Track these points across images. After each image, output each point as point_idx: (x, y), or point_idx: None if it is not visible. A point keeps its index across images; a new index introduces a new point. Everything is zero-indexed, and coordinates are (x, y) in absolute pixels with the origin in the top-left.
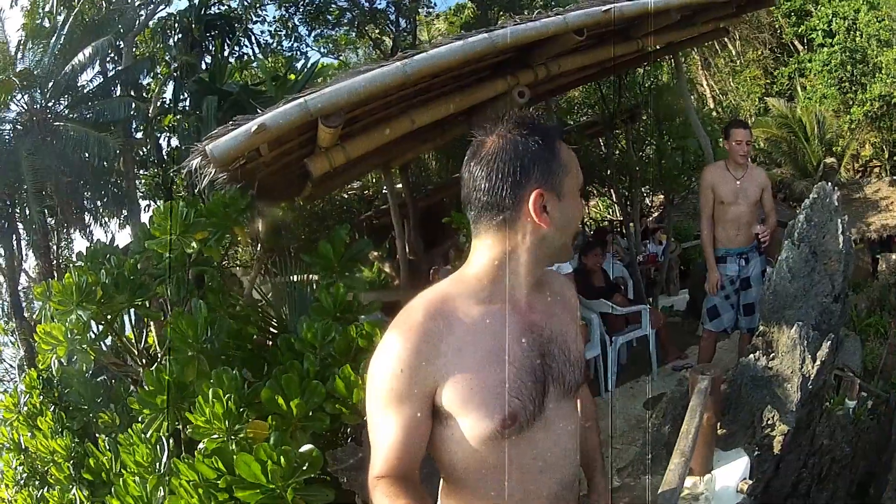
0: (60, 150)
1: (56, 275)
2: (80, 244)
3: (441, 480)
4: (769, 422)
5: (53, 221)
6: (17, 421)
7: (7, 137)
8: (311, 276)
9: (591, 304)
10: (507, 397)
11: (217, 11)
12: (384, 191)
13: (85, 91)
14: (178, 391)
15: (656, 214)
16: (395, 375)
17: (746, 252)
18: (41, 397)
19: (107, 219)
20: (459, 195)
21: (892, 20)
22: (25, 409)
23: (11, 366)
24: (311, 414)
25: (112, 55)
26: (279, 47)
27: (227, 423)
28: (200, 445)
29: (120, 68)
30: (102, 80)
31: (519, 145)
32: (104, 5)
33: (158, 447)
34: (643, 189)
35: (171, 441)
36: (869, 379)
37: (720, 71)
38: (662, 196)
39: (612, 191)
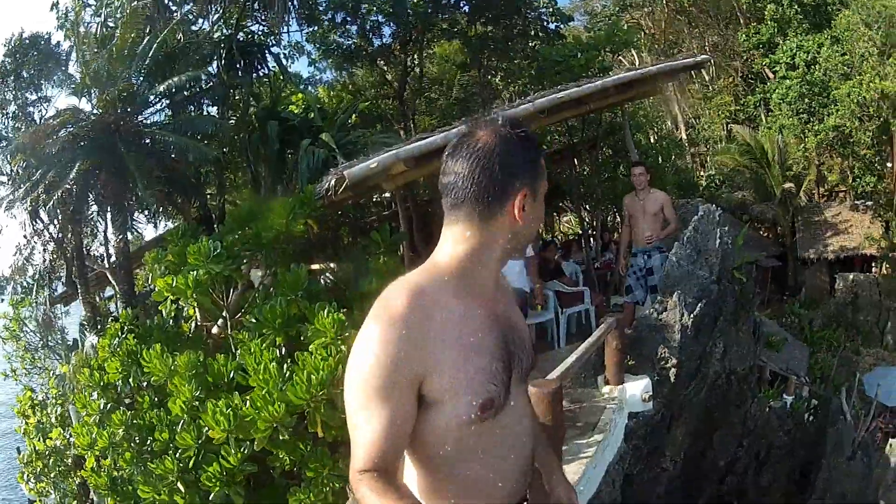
0: (159, 153)
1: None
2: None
3: (415, 472)
4: (663, 356)
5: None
6: (111, 359)
7: (102, 136)
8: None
9: (549, 284)
10: (486, 384)
11: (244, 38)
12: (374, 199)
13: (179, 108)
14: (284, 321)
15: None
16: (381, 366)
17: (649, 250)
18: (135, 340)
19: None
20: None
21: (853, 54)
22: (121, 349)
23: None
24: None
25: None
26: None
27: (335, 329)
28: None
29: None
30: (188, 95)
31: (515, 144)
32: (181, 36)
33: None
34: (608, 207)
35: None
36: (819, 384)
37: (693, 96)
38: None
39: (579, 209)
